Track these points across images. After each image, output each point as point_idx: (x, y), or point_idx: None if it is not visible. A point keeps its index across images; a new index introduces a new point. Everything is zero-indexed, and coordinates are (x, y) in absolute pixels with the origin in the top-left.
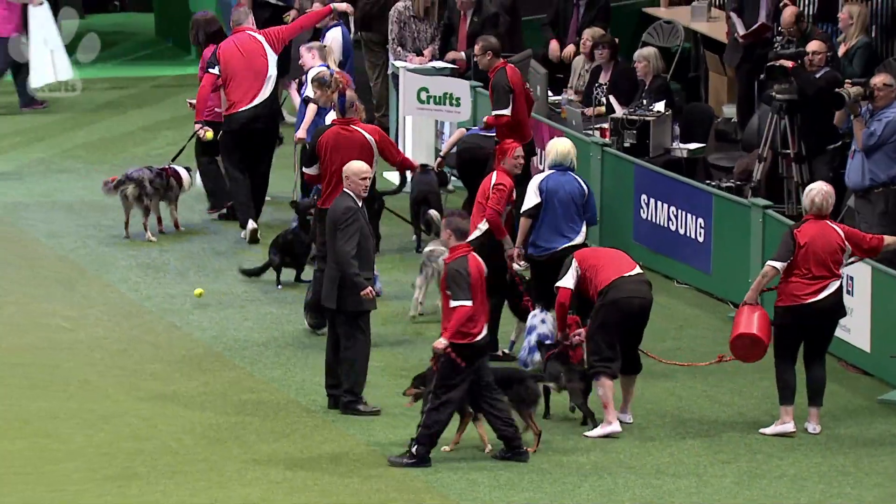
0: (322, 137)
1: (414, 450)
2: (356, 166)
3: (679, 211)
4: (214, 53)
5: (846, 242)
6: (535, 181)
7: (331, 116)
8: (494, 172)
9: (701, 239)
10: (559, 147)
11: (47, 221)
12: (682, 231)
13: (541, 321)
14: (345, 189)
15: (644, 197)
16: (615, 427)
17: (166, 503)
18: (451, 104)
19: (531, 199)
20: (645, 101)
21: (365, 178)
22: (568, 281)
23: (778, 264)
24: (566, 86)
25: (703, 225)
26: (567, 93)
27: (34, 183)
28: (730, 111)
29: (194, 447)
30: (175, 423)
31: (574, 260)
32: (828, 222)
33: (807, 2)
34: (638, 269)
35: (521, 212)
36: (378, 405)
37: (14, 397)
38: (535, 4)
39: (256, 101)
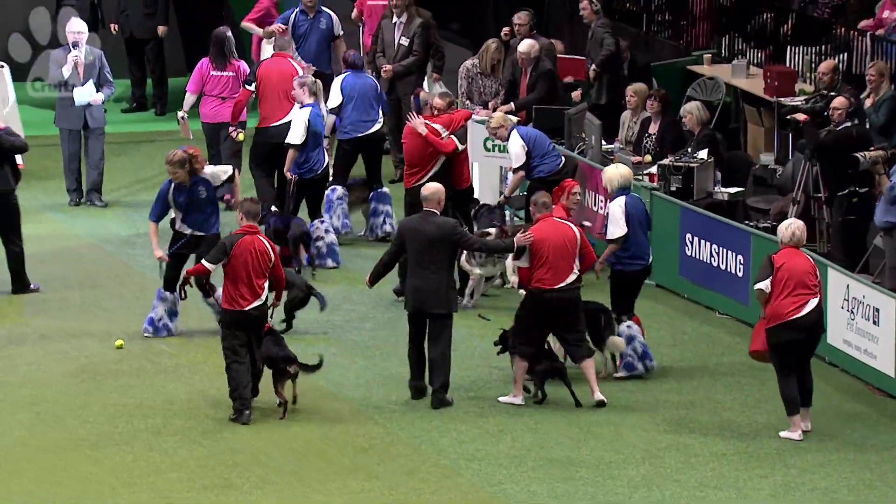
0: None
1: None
2: (435, 186)
3: (720, 248)
4: (254, 72)
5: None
6: (618, 207)
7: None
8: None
9: (740, 274)
10: (622, 171)
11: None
12: (723, 267)
13: (627, 327)
14: (434, 209)
15: (689, 236)
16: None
17: None
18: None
19: (620, 225)
20: (690, 150)
21: (444, 195)
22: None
23: (762, 284)
24: (617, 136)
25: (742, 261)
26: (618, 142)
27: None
28: (766, 158)
29: (282, 459)
30: (265, 438)
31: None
32: (799, 250)
33: (843, 58)
34: None
35: (614, 239)
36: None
37: (122, 416)
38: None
39: (285, 119)
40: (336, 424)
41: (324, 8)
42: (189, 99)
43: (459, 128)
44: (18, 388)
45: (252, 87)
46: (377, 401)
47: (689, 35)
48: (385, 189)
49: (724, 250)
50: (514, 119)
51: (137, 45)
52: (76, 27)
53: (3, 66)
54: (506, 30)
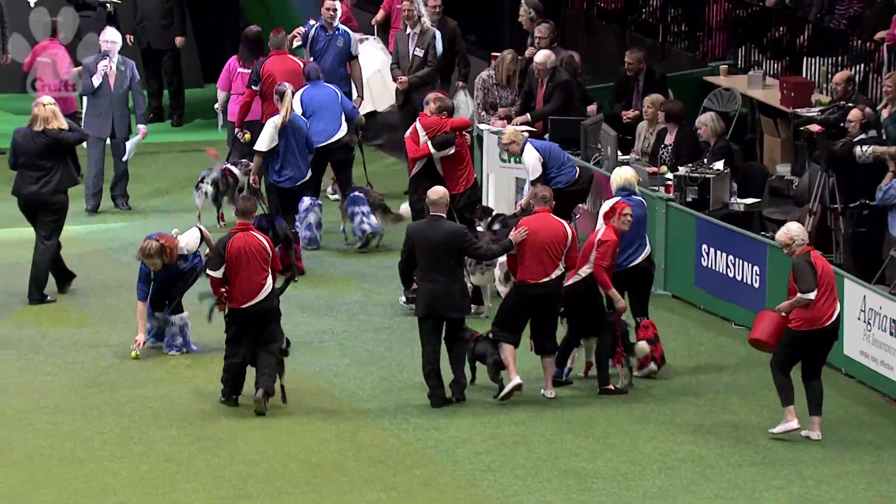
0: None
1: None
2: (442, 189)
3: (736, 259)
4: (257, 70)
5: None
6: (605, 207)
7: None
8: (603, 227)
9: (756, 285)
10: (622, 173)
11: None
12: (739, 277)
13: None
14: (440, 213)
15: (705, 246)
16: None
17: None
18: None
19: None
20: (706, 161)
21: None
22: None
23: (812, 295)
24: (633, 147)
25: (758, 272)
26: (634, 153)
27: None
28: (783, 169)
29: (298, 471)
30: (281, 450)
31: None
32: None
33: (860, 69)
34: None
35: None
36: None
37: (138, 426)
38: (603, 74)
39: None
40: (352, 435)
41: (342, 26)
42: (220, 95)
43: (443, 133)
44: (36, 398)
45: (256, 88)
46: (393, 411)
47: (706, 46)
48: (357, 192)
49: (741, 261)
50: (525, 133)
51: (154, 57)
52: (110, 36)
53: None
54: (530, 50)
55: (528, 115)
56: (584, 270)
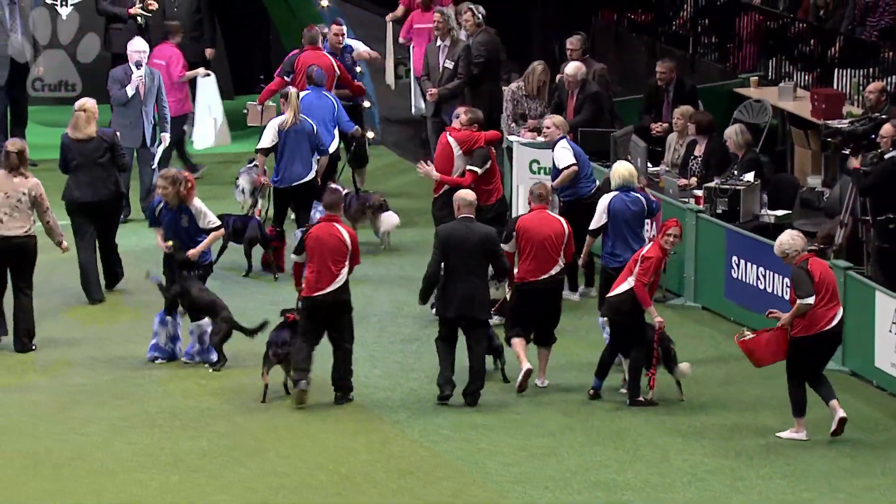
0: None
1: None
2: (469, 193)
3: (767, 271)
4: (291, 62)
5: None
6: (603, 202)
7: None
8: (650, 243)
9: (787, 297)
10: (620, 169)
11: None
12: (769, 290)
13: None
14: (468, 215)
15: (735, 258)
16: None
17: None
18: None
19: (597, 220)
20: (736, 172)
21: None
22: None
23: (811, 300)
24: (662, 159)
25: (788, 284)
26: (664, 165)
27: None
28: (814, 181)
29: (328, 482)
30: (311, 461)
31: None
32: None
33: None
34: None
35: (590, 230)
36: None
37: (169, 437)
38: (633, 86)
39: None
40: (381, 446)
41: (350, 42)
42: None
43: (477, 147)
44: (66, 410)
45: (287, 79)
46: (422, 423)
47: (736, 57)
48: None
49: (771, 273)
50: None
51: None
52: (139, 46)
53: (209, 75)
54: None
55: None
56: (626, 285)
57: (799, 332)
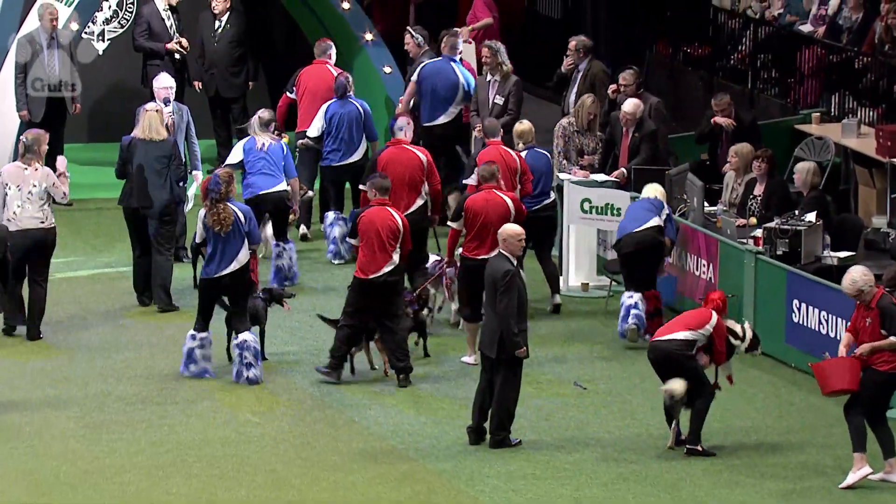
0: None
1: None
2: (512, 229)
3: (830, 315)
4: (295, 78)
5: None
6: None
7: None
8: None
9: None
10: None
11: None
12: (832, 334)
13: (635, 303)
14: (501, 250)
15: (796, 302)
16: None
17: None
18: (611, 214)
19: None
20: (798, 212)
21: (521, 240)
22: None
23: None
24: (720, 198)
25: (859, 319)
26: (721, 204)
27: None
28: (879, 222)
29: None
30: (342, 497)
31: None
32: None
33: None
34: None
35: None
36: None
37: (206, 487)
38: (688, 122)
39: None
40: (426, 497)
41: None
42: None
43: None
44: (103, 458)
45: (291, 94)
46: (469, 472)
47: (797, 93)
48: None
49: (834, 317)
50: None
51: (223, 104)
52: (166, 82)
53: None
54: (612, 87)
55: (622, 169)
56: (686, 335)
57: (894, 367)
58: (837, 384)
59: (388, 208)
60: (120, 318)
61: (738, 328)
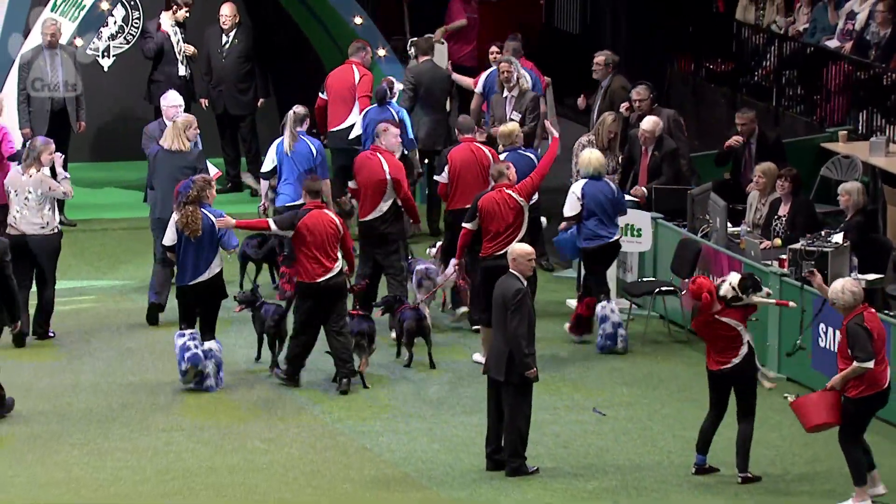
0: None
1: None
2: (522, 248)
3: None
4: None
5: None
6: (575, 189)
7: None
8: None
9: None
10: (590, 157)
11: (248, 346)
12: None
13: (610, 311)
14: (511, 270)
15: (822, 326)
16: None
17: None
18: (632, 235)
19: (572, 207)
20: (845, 233)
21: (531, 260)
22: None
23: (871, 363)
24: (743, 218)
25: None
26: (745, 225)
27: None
28: None
29: None
30: None
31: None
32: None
33: None
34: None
35: (566, 217)
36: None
37: None
38: (711, 140)
39: (344, 124)
40: None
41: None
42: None
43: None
44: (107, 486)
45: (324, 96)
46: (484, 501)
47: (824, 110)
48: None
49: None
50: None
51: (231, 123)
52: (174, 101)
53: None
54: (625, 105)
55: (644, 188)
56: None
57: (864, 391)
58: (816, 418)
59: (326, 210)
60: (125, 341)
61: (722, 289)
